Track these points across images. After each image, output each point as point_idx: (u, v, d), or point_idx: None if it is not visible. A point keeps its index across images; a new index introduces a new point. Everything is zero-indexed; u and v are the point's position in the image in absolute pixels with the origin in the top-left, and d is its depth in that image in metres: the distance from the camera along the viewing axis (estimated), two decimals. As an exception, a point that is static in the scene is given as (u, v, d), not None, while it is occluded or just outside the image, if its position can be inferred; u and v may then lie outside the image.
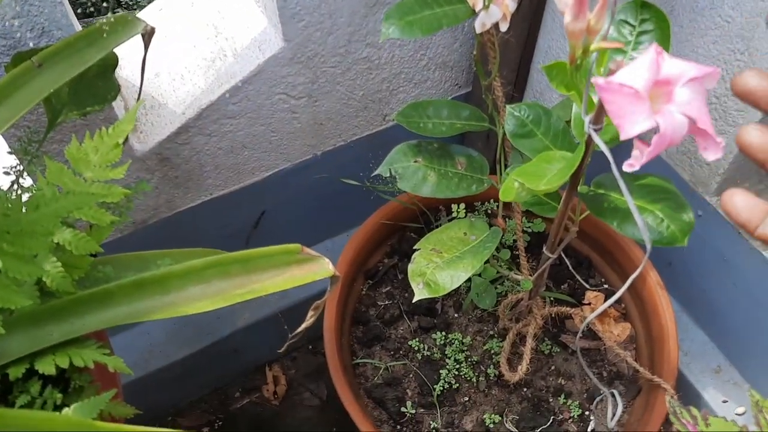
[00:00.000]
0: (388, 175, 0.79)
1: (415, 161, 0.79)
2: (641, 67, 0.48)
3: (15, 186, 0.61)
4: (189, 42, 0.96)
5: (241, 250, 0.66)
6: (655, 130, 0.50)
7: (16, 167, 0.63)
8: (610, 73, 0.49)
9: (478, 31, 0.65)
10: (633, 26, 0.61)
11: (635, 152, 0.51)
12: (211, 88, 0.93)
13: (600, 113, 0.54)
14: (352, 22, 0.94)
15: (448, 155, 0.81)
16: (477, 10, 0.66)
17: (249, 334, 1.22)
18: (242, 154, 1.02)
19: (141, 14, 1.00)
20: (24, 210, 0.52)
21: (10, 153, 0.67)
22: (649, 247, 0.56)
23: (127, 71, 0.92)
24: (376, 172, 0.81)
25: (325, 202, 1.19)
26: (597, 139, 0.54)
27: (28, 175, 0.64)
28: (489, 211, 1.07)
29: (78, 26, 0.76)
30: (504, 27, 0.66)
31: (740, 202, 0.35)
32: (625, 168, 0.48)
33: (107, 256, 0.65)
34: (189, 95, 0.94)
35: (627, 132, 0.48)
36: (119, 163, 0.61)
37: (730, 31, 0.93)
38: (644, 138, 0.51)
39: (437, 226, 1.08)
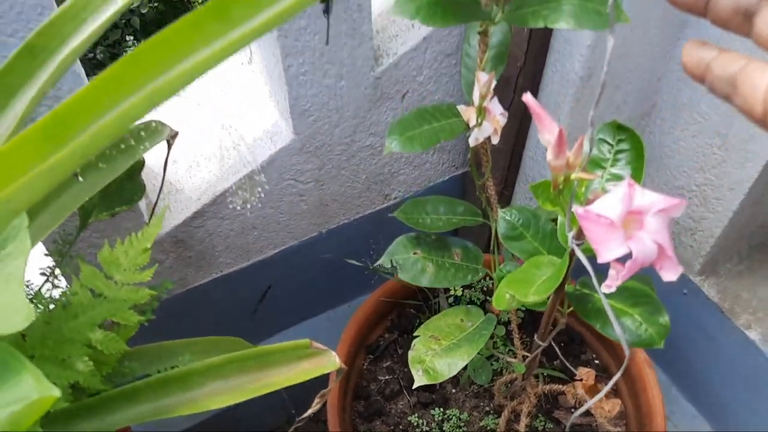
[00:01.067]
0: (389, 265, 0.85)
1: (414, 253, 0.86)
2: (616, 198, 0.54)
3: (50, 287, 0.66)
4: (205, 132, 1.03)
5: (255, 347, 0.71)
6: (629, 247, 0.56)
7: (51, 268, 0.69)
8: (589, 201, 0.56)
9: (472, 145, 0.72)
10: (611, 145, 0.67)
11: (612, 272, 0.57)
12: (225, 175, 1.00)
13: (582, 230, 0.60)
14: (358, 115, 1.02)
15: (445, 246, 0.87)
16: (471, 125, 0.73)
17: (252, 405, 1.25)
18: (252, 234, 1.08)
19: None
20: (63, 316, 0.58)
21: (46, 255, 0.73)
22: (626, 350, 0.61)
23: (149, 160, 0.99)
24: (378, 263, 0.87)
25: (328, 275, 1.25)
26: (580, 254, 0.59)
27: (62, 275, 0.70)
28: (485, 288, 1.13)
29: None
30: (495, 140, 0.73)
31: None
32: (604, 289, 0.54)
33: (132, 348, 0.70)
34: (204, 182, 1.00)
35: (603, 257, 0.54)
36: (146, 266, 0.66)
37: (708, 127, 1.01)
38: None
39: (436, 303, 1.14)
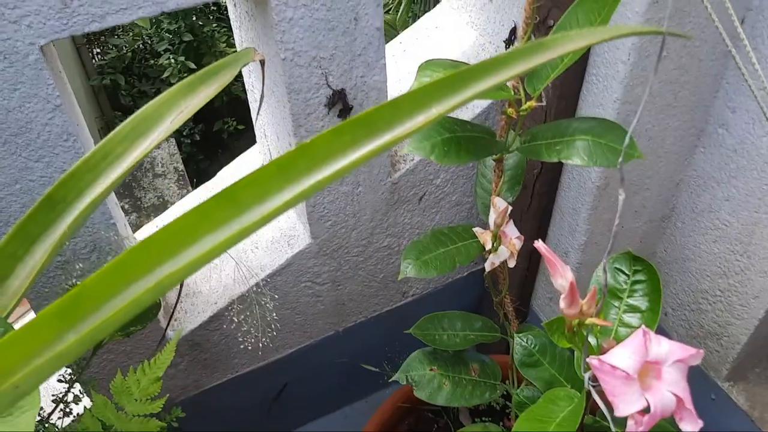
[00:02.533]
0: (404, 382, 0.84)
1: (431, 369, 0.84)
2: (631, 349, 0.53)
3: (62, 414, 0.66)
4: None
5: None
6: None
7: (63, 393, 0.69)
8: (603, 350, 0.55)
9: (488, 269, 0.72)
10: (627, 275, 0.67)
11: (630, 422, 0.55)
12: (242, 279, 1.00)
13: (599, 372, 0.59)
14: (375, 218, 1.02)
15: (462, 362, 0.85)
16: (487, 248, 0.72)
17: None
18: (267, 335, 1.08)
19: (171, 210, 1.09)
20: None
21: (60, 381, 0.73)
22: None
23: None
24: (393, 379, 0.86)
25: (344, 372, 1.23)
26: (597, 398, 0.58)
27: (73, 402, 0.70)
28: (505, 393, 1.10)
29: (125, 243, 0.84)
30: (512, 264, 0.72)
31: None
32: (622, 443, 0.52)
33: (139, 473, 0.69)
34: (221, 285, 1.01)
35: (620, 411, 0.53)
36: (158, 396, 0.66)
37: (729, 234, 0.99)
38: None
39: (455, 409, 1.11)
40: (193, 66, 4.41)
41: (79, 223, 0.53)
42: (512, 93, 0.63)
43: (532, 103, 0.61)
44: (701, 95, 0.92)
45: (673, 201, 1.06)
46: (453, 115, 0.78)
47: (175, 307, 0.90)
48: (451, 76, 0.42)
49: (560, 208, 1.04)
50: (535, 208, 1.02)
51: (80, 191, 0.52)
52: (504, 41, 0.99)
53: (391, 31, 4.17)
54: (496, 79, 0.41)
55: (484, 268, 1.25)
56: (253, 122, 0.99)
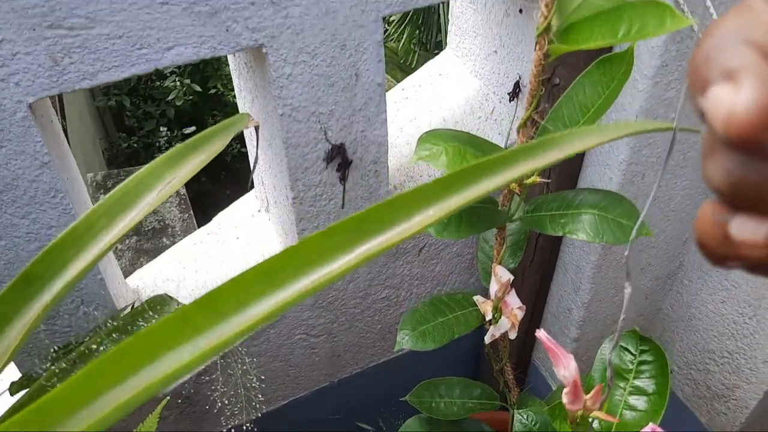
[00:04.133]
0: (399, 449, 0.80)
1: (426, 437, 0.81)
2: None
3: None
4: (218, 281, 1.01)
5: None
6: None
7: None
8: (609, 447, 0.51)
9: (488, 341, 0.69)
10: (634, 355, 0.64)
11: None
12: (234, 330, 0.97)
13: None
14: (372, 270, 1.00)
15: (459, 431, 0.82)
16: (487, 318, 0.70)
17: None
18: (260, 387, 1.04)
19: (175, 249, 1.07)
20: None
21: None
22: None
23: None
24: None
25: (339, 429, 1.20)
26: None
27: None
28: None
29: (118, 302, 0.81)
30: (513, 335, 0.69)
31: None
32: None
33: None
34: (213, 336, 0.98)
35: None
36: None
37: (738, 296, 0.96)
38: None
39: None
40: (198, 89, 4.41)
41: (57, 302, 0.50)
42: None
43: (536, 179, 0.59)
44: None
45: (680, 258, 1.03)
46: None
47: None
48: (450, 176, 0.39)
49: (564, 264, 1.01)
50: (538, 263, 0.99)
51: (59, 268, 0.49)
52: (508, 94, 0.97)
53: (395, 57, 4.17)
54: (499, 180, 0.39)
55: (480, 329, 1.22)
56: (252, 176, 0.96)
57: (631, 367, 0.63)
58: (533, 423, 0.69)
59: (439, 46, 3.61)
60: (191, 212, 3.58)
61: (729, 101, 0.17)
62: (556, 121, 0.60)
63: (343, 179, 0.86)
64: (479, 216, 0.61)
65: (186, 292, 1.01)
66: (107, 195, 0.53)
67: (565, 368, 0.52)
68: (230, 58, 0.87)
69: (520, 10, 0.89)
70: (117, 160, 4.63)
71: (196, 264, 1.03)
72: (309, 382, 1.09)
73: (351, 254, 0.41)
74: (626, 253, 0.46)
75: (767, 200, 0.19)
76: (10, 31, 0.59)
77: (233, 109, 4.53)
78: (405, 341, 0.68)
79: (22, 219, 0.70)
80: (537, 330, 0.52)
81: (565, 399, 0.51)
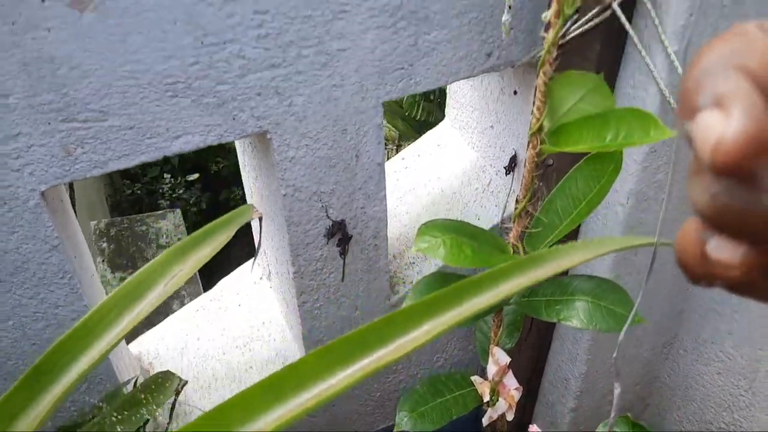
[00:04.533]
0: None
1: None
2: None
3: None
4: (220, 350, 1.03)
5: None
6: None
7: None
8: None
9: (485, 424, 0.70)
10: (629, 440, 0.64)
11: None
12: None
13: None
14: (372, 339, 1.01)
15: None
16: (485, 400, 0.71)
17: None
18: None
19: (179, 318, 1.08)
20: None
21: None
22: None
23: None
24: None
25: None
26: None
27: None
28: None
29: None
30: (510, 416, 0.70)
31: None
32: None
33: None
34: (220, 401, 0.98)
35: None
36: None
37: (733, 367, 0.97)
38: None
39: None
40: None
41: (68, 395, 0.52)
42: (512, 251, 0.63)
43: (530, 270, 0.61)
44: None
45: (676, 329, 1.04)
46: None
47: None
48: (444, 293, 0.41)
49: (560, 335, 1.02)
50: (534, 336, 1.00)
51: (69, 360, 0.51)
52: (504, 167, 0.99)
53: (399, 110, 4.24)
54: (491, 296, 0.41)
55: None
56: (254, 260, 0.98)
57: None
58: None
59: (443, 95, 3.67)
60: (197, 276, 3.59)
61: (718, 128, 0.17)
62: (550, 213, 0.62)
63: (343, 254, 0.89)
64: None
65: (188, 360, 1.02)
66: (116, 289, 0.55)
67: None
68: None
69: (515, 92, 0.93)
70: (120, 206, 4.67)
71: (198, 331, 1.05)
72: (308, 450, 1.09)
73: (349, 369, 0.43)
74: (614, 355, 0.48)
75: (749, 226, 0.19)
76: (27, 125, 0.62)
77: (236, 156, 4.58)
78: (404, 423, 0.69)
79: (31, 299, 0.72)
80: (530, 426, 0.53)
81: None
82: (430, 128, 1.19)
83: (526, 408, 1.10)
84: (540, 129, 0.57)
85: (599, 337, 0.96)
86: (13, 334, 0.74)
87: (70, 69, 0.60)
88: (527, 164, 0.59)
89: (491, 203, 1.02)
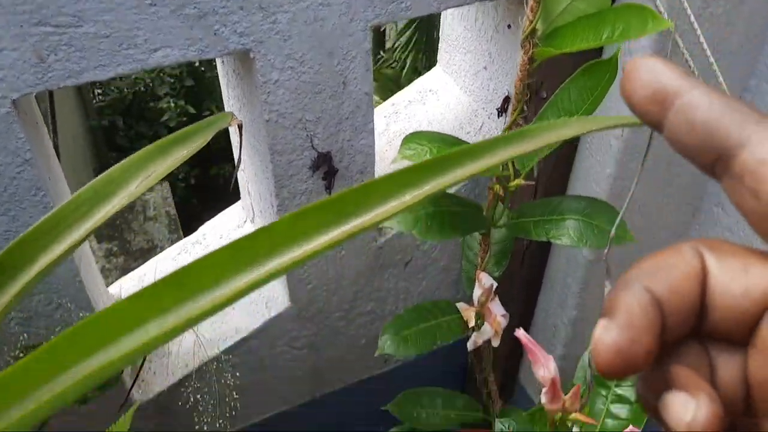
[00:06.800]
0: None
1: (407, 450, 0.79)
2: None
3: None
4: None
5: None
6: None
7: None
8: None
9: (470, 349, 0.68)
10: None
11: None
12: (215, 340, 0.96)
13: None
14: (358, 282, 0.99)
15: (441, 443, 0.81)
16: (470, 325, 0.69)
17: None
18: (240, 400, 1.03)
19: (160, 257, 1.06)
20: None
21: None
22: None
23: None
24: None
25: (321, 439, 1.18)
26: (580, 501, 0.54)
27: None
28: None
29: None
30: (496, 343, 0.69)
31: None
32: None
33: None
34: (194, 345, 0.96)
35: None
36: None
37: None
38: None
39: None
40: (192, 111, 4.43)
41: (27, 291, 0.49)
42: (500, 168, 0.61)
43: (520, 181, 0.59)
44: (696, 173, 0.90)
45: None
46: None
47: (140, 368, 0.85)
48: (427, 162, 0.39)
49: (550, 278, 1.01)
50: (525, 275, 0.98)
51: (30, 258, 0.49)
52: (497, 109, 0.97)
53: (396, 88, 4.22)
54: (474, 167, 0.39)
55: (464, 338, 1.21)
56: (236, 179, 0.96)
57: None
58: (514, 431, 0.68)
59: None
60: (180, 233, 3.56)
61: (595, 335, 0.18)
62: (540, 127, 0.60)
63: (329, 188, 0.86)
64: (463, 220, 0.61)
65: (168, 302, 1.00)
66: (85, 186, 0.52)
67: (545, 368, 0.51)
68: (219, 66, 0.87)
69: (509, 26, 0.90)
70: (109, 179, 4.61)
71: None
72: (292, 396, 1.07)
73: (324, 236, 0.40)
74: (605, 250, 0.46)
75: None
76: (-3, 27, 0.59)
77: (227, 133, 4.54)
78: (387, 346, 0.67)
79: (2, 216, 0.69)
80: (516, 329, 0.51)
81: (543, 399, 0.51)
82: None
83: (513, 355, 1.08)
84: (533, 32, 0.55)
85: (590, 281, 0.94)
86: (-16, 254, 0.71)
87: (41, -38, 0.57)
88: (518, 72, 0.57)
89: (482, 146, 1.00)
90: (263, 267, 0.38)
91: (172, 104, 4.37)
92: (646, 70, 0.20)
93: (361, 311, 1.03)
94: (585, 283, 0.94)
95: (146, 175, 0.55)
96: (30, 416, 0.34)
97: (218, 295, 0.35)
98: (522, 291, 1.01)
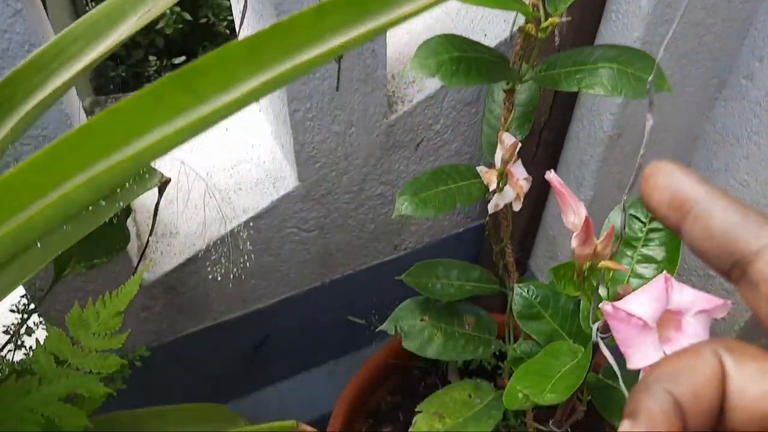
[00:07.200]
0: (393, 332, 0.78)
1: (422, 319, 0.78)
2: (650, 296, 0.47)
3: (12, 348, 0.60)
4: (204, 172, 0.97)
5: (237, 416, 0.64)
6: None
7: (16, 326, 0.63)
8: (618, 297, 0.48)
9: (491, 211, 0.65)
10: (643, 222, 0.60)
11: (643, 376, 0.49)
12: (223, 220, 0.94)
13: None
14: (368, 162, 0.96)
15: (455, 313, 0.80)
16: (491, 189, 0.66)
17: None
18: (249, 283, 1.02)
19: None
20: (14, 391, 0.51)
21: (12, 311, 0.67)
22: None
23: (146, 198, 0.93)
24: (381, 328, 0.80)
25: (330, 325, 1.18)
26: (605, 352, 0.52)
27: (26, 334, 0.64)
28: (497, 353, 1.05)
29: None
30: (517, 207, 0.66)
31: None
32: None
33: (100, 416, 0.64)
34: (201, 226, 0.94)
35: (635, 363, 0.47)
36: (119, 330, 0.60)
37: (745, 195, 0.93)
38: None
39: (444, 366, 1.06)
40: (188, 18, 4.28)
41: (25, 126, 0.46)
42: (531, 10, 0.56)
43: (555, 20, 0.54)
44: (727, 41, 0.85)
45: (688, 158, 0.99)
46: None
47: (147, 244, 0.83)
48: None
49: (566, 160, 0.97)
50: (541, 157, 0.95)
51: (28, 92, 0.45)
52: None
53: None
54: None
55: (482, 224, 1.19)
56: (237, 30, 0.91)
57: (640, 235, 0.60)
58: (534, 296, 0.66)
59: None
60: None
61: None
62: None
63: (338, 57, 0.81)
64: (490, 68, 0.57)
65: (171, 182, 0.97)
66: (81, 18, 0.48)
67: (576, 214, 0.49)
68: None
69: None
70: (105, 88, 4.52)
71: (181, 154, 0.99)
72: (300, 281, 1.06)
73: (347, 33, 0.36)
74: (650, 78, 0.42)
75: None
76: None
77: (224, 40, 4.40)
78: (405, 207, 0.64)
79: (-7, 72, 0.65)
80: (548, 172, 0.48)
81: (574, 243, 0.48)
82: None
83: (527, 239, 1.07)
84: None
85: (608, 158, 0.91)
86: (-23, 113, 0.67)
87: None
88: None
89: (500, 17, 0.94)
90: (281, 66, 0.34)
91: (168, 10, 4.22)
92: (664, 175, 0.21)
93: (371, 194, 1.00)
94: (603, 160, 0.91)
95: (146, 9, 0.50)
96: (39, 217, 0.31)
97: (231, 96, 0.31)
98: (537, 172, 0.98)
